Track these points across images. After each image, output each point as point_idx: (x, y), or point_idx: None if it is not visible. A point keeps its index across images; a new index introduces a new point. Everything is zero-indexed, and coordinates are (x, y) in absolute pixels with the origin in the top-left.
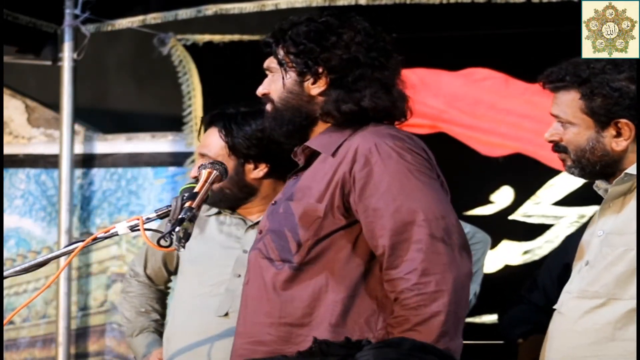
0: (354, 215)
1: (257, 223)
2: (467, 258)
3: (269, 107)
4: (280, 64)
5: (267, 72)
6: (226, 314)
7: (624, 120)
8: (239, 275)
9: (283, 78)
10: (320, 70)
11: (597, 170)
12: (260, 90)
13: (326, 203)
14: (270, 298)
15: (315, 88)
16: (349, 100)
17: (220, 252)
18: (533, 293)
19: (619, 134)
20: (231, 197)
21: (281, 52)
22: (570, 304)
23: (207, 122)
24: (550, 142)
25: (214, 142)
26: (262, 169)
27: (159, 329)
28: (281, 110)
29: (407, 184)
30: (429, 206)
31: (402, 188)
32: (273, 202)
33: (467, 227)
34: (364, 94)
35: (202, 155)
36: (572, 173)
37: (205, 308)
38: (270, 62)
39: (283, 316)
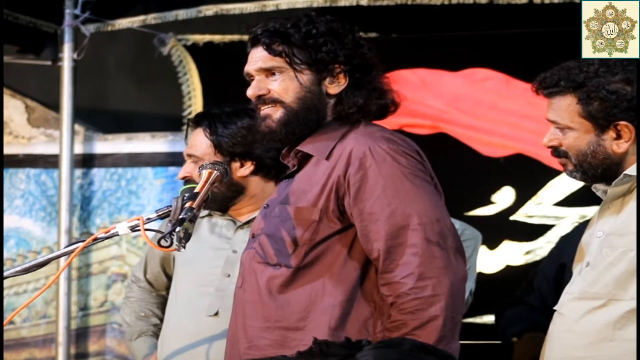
0: (349, 219)
1: (247, 223)
2: (462, 262)
3: (277, 111)
4: (291, 62)
5: (258, 74)
6: (216, 314)
7: (623, 123)
8: (229, 275)
9: (297, 77)
10: (338, 69)
11: (599, 174)
12: (257, 92)
13: (321, 207)
14: (265, 302)
15: (335, 87)
16: (372, 99)
17: (211, 253)
18: (528, 295)
19: (619, 137)
20: (220, 196)
21: (289, 51)
22: (570, 305)
23: (193, 123)
24: (549, 147)
25: (200, 142)
26: (248, 167)
27: (158, 333)
28: (298, 112)
29: (402, 188)
30: (424, 210)
31: (396, 192)
32: (265, 204)
33: (457, 224)
34: (379, 93)
35: (190, 155)
36: (574, 177)
37: (196, 309)
38: (271, 61)
39: (278, 320)
